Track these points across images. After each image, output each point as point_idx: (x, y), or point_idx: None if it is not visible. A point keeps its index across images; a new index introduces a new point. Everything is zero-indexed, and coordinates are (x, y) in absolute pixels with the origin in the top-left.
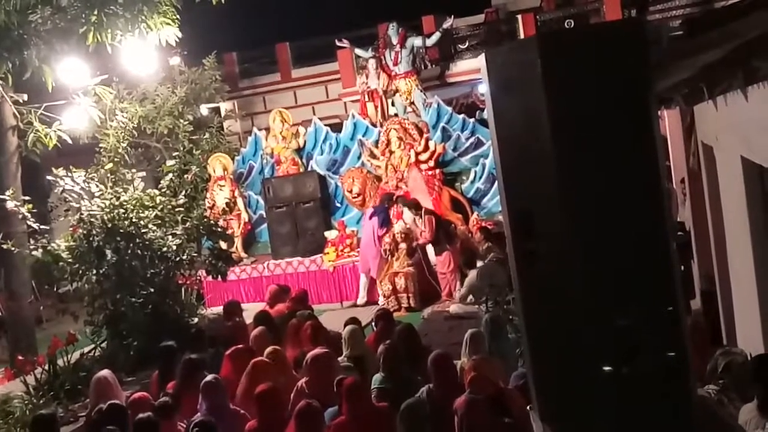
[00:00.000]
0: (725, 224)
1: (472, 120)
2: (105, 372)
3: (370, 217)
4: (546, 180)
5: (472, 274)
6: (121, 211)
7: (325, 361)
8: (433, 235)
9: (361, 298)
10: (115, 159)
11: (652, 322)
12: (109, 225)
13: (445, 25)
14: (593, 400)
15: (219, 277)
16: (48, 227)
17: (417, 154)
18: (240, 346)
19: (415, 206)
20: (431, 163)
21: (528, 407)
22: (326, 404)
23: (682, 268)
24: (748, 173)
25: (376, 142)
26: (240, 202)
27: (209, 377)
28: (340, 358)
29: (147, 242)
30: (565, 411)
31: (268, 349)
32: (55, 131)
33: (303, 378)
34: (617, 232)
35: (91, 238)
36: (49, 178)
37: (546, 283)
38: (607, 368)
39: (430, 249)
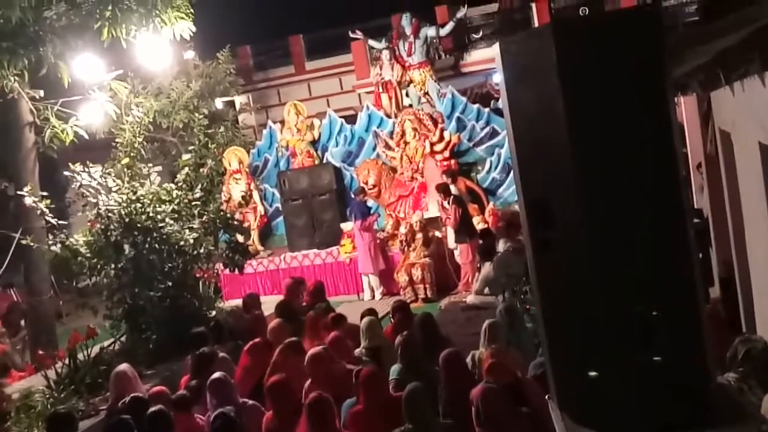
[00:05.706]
0: (743, 210)
1: (487, 110)
2: (124, 366)
3: (352, 219)
4: (562, 169)
5: (488, 266)
6: (138, 205)
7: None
8: (457, 222)
9: (368, 295)
10: (132, 154)
11: (670, 309)
12: (127, 219)
13: (459, 15)
14: (612, 388)
15: (236, 270)
16: (66, 222)
17: (432, 144)
18: (257, 339)
19: (444, 190)
20: (446, 154)
21: (547, 396)
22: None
23: (700, 255)
24: (766, 159)
25: (391, 134)
26: (256, 195)
27: (216, 374)
28: (357, 350)
29: (164, 236)
30: (583, 399)
31: (287, 341)
32: (71, 127)
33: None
34: (634, 220)
35: (108, 233)
36: (66, 173)
37: (562, 272)
38: (625, 356)
39: (451, 239)
